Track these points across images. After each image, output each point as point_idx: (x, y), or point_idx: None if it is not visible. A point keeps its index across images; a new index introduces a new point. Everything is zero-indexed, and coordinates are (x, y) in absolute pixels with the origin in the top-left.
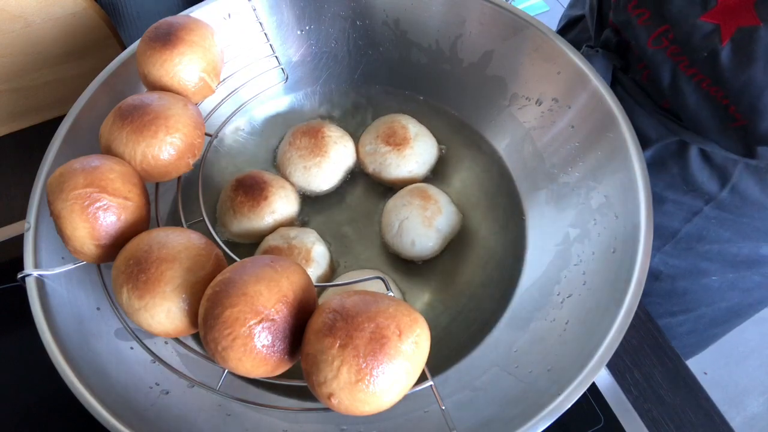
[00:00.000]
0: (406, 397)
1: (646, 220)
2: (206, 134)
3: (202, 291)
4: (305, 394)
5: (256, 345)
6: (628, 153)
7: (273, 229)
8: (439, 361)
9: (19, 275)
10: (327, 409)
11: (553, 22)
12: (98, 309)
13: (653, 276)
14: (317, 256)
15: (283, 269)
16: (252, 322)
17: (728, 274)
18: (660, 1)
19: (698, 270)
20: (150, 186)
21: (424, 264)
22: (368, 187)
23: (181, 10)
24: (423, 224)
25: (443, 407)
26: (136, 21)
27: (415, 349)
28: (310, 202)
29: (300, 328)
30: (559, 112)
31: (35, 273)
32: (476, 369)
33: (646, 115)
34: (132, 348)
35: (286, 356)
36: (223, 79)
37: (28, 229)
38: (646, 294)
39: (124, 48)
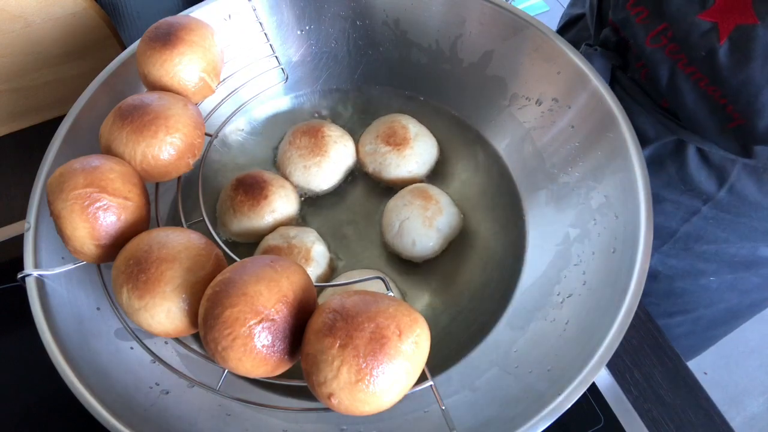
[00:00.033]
0: (406, 397)
1: (646, 220)
2: (206, 134)
3: (202, 291)
4: (305, 394)
5: (256, 345)
6: (628, 153)
7: (273, 229)
8: (439, 361)
9: (19, 275)
10: (327, 409)
11: (553, 22)
12: (98, 309)
13: (651, 276)
14: (317, 255)
15: (283, 269)
16: (252, 322)
17: (726, 275)
18: None
19: (696, 270)
20: (150, 186)
21: (423, 264)
22: (368, 187)
23: (181, 10)
24: (423, 224)
25: (443, 407)
26: (136, 21)
27: (415, 349)
28: (310, 201)
29: (300, 328)
30: (559, 112)
31: (35, 273)
32: (476, 369)
33: (645, 114)
34: (132, 348)
35: (286, 356)
36: (223, 79)
37: (28, 229)
38: (644, 294)
39: (124, 48)
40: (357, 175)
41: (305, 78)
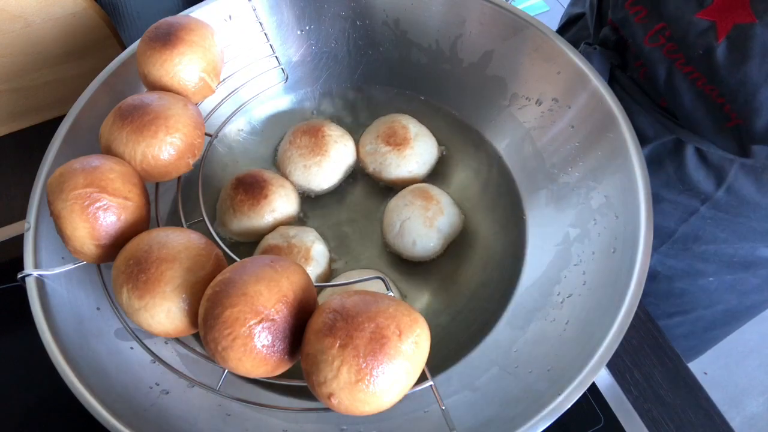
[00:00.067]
0: (406, 397)
1: (646, 220)
2: (206, 134)
3: (202, 291)
4: (305, 394)
5: (256, 345)
6: (628, 153)
7: (273, 228)
8: (439, 361)
9: (19, 275)
10: (327, 409)
11: (553, 22)
12: (98, 309)
13: (650, 276)
14: (317, 254)
15: (283, 269)
16: (252, 322)
17: (725, 275)
18: None
19: (695, 271)
20: (150, 186)
21: (423, 264)
22: (368, 186)
23: (181, 10)
24: (424, 225)
25: (443, 407)
26: (136, 21)
27: (415, 349)
28: (310, 201)
29: (300, 328)
30: (559, 112)
31: (35, 273)
32: (476, 369)
33: (644, 114)
34: (132, 348)
35: (286, 356)
36: (223, 79)
37: (28, 229)
38: (644, 294)
39: (124, 48)
40: (357, 174)
41: (305, 78)
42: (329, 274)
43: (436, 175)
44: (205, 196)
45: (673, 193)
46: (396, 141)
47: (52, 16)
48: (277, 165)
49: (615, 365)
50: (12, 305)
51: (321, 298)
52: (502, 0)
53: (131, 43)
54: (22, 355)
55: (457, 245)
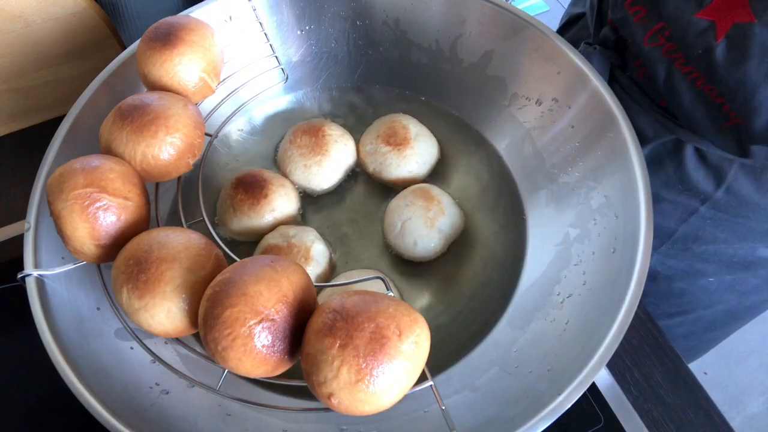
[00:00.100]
0: (406, 397)
1: (646, 220)
2: (206, 134)
3: (202, 291)
4: (305, 394)
5: (256, 345)
6: (628, 153)
7: (273, 228)
8: (439, 361)
9: (19, 275)
10: (327, 409)
11: (553, 22)
12: (98, 309)
13: (650, 276)
14: (316, 254)
15: (283, 269)
16: (252, 322)
17: (725, 275)
18: None
19: (695, 271)
20: (150, 186)
21: (424, 264)
22: (368, 186)
23: (181, 10)
24: (425, 225)
25: (443, 407)
26: (136, 21)
27: (415, 349)
28: (311, 201)
29: (300, 328)
30: (559, 112)
31: (35, 273)
32: (476, 369)
33: (643, 113)
34: (132, 348)
35: (286, 356)
36: (223, 79)
37: (28, 229)
38: (644, 294)
39: (124, 48)
40: (357, 174)
41: (305, 78)
42: (329, 274)
43: (436, 175)
44: (205, 196)
45: (672, 193)
46: (396, 141)
47: (52, 16)
48: (277, 164)
49: (615, 365)
50: (12, 305)
51: (321, 298)
52: (502, 0)
53: (131, 43)
54: (22, 355)
55: (458, 245)
